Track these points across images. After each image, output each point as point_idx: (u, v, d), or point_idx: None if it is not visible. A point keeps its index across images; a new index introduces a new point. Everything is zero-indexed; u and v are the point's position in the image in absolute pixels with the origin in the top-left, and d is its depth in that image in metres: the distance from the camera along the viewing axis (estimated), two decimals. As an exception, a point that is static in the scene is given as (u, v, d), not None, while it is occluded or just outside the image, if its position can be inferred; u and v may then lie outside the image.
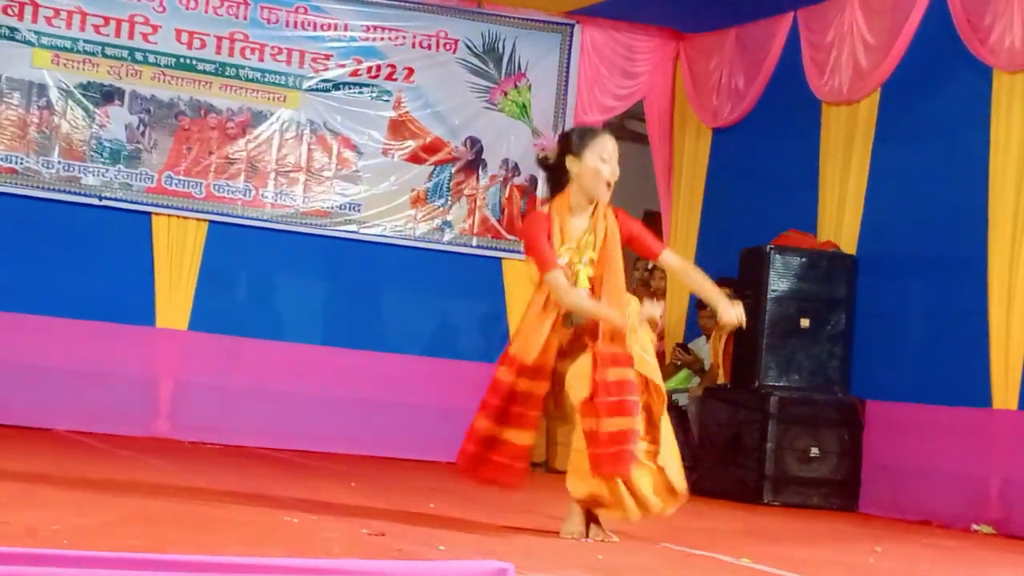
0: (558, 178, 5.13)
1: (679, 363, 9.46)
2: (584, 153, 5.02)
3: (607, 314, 4.92)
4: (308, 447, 9.42)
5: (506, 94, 10.25)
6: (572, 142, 5.09)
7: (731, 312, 5.10)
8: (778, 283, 8.37)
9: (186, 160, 9.62)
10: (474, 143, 10.20)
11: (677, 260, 5.26)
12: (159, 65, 9.57)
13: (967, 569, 5.49)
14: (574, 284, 5.00)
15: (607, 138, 5.08)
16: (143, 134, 9.56)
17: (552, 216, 5.05)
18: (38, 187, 9.33)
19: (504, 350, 5.12)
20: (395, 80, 10.04)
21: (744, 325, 5.20)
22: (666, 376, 9.67)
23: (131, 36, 9.52)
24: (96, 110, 9.46)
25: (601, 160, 5.01)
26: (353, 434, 9.65)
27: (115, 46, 9.49)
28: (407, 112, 10.06)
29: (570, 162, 5.05)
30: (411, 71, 10.07)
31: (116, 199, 9.47)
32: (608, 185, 5.04)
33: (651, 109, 10.43)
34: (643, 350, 5.02)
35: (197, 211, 9.61)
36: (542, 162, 5.27)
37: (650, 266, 10.63)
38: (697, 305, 9.58)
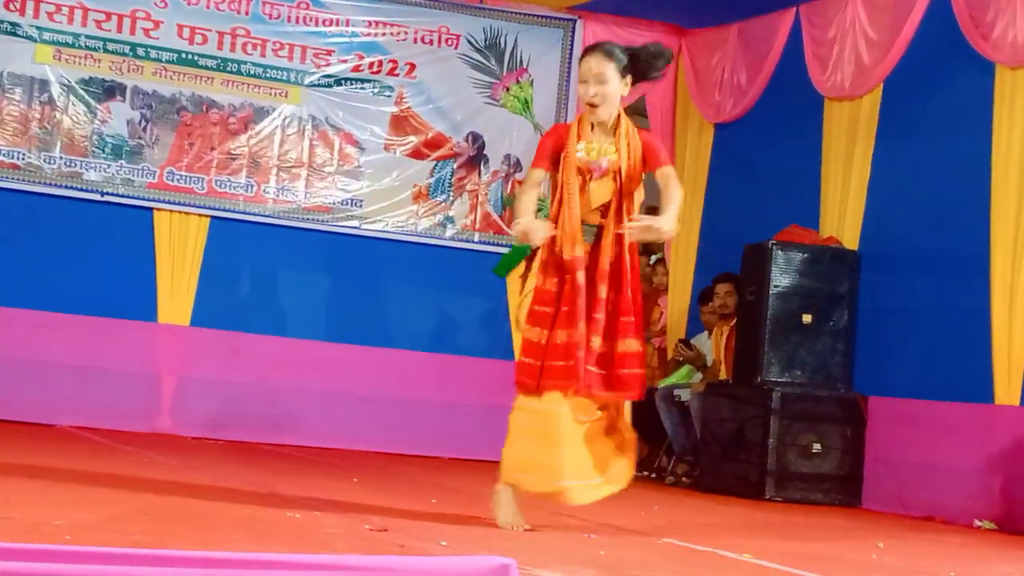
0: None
1: (681, 359, 9.46)
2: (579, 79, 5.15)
3: (523, 226, 4.98)
4: (310, 443, 9.43)
5: (508, 90, 10.25)
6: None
7: (659, 222, 4.97)
8: (780, 279, 8.36)
9: (188, 156, 9.62)
10: (476, 139, 10.19)
11: (667, 181, 5.12)
12: (161, 60, 9.57)
13: (969, 565, 5.49)
14: (586, 187, 5.04)
15: (588, 58, 5.12)
16: (145, 130, 9.56)
17: (572, 125, 5.15)
18: (40, 183, 9.33)
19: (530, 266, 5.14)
20: (397, 76, 10.04)
21: (667, 236, 5.14)
22: (668, 372, 9.72)
23: (133, 32, 9.52)
24: (98, 105, 9.47)
25: (582, 82, 5.09)
26: (355, 430, 9.65)
27: (117, 41, 9.49)
28: (409, 108, 10.06)
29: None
30: (413, 66, 10.07)
31: (118, 195, 9.47)
32: (591, 105, 5.06)
33: (653, 105, 10.42)
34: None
35: (199, 207, 9.61)
36: None
37: (651, 261, 10.64)
38: (699, 300, 9.58)
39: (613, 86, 5.07)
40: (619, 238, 5.06)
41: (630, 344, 5.04)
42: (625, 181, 5.06)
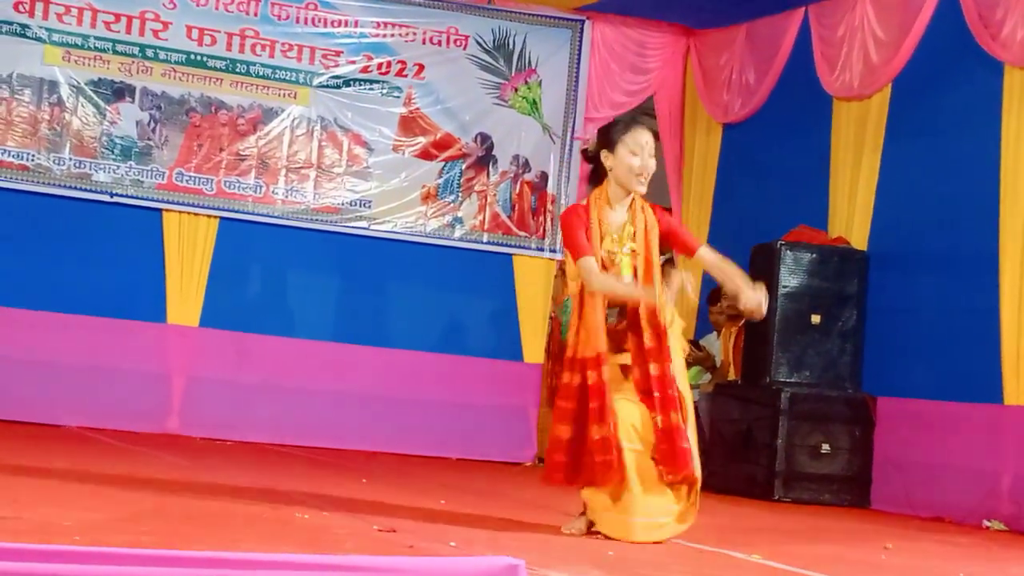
0: (598, 171, 5.19)
1: (690, 360, 9.45)
2: (617, 147, 5.08)
3: (639, 294, 5.00)
4: (319, 443, 9.43)
5: (516, 90, 10.25)
6: (607, 136, 5.15)
7: (752, 295, 5.07)
8: (789, 279, 8.36)
9: (197, 157, 9.63)
10: (484, 139, 10.19)
11: (714, 255, 5.27)
12: (170, 62, 9.58)
13: (979, 566, 5.48)
14: (617, 274, 5.05)
15: (640, 131, 5.12)
16: (154, 131, 9.57)
17: (590, 207, 5.13)
18: (49, 184, 9.34)
19: (556, 357, 5.19)
20: (405, 76, 10.04)
21: (764, 310, 5.13)
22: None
23: (142, 33, 9.53)
24: (107, 107, 9.48)
25: (632, 154, 5.05)
26: (364, 430, 9.65)
27: (126, 43, 9.50)
28: (418, 108, 10.06)
29: (604, 156, 5.12)
30: (421, 67, 10.07)
31: (127, 196, 9.47)
32: (640, 177, 5.08)
33: (661, 105, 10.41)
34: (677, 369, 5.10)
35: (208, 208, 9.62)
36: (583, 154, 5.36)
37: (661, 261, 10.61)
38: (708, 301, 9.58)
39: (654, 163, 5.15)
40: (651, 311, 5.05)
41: (675, 418, 5.04)
42: (646, 257, 5.11)
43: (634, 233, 5.11)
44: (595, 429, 4.94)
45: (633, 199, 5.14)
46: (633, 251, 5.10)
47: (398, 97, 10.02)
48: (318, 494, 5.80)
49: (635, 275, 5.08)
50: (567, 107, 10.24)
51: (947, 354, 7.91)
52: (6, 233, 9.27)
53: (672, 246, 5.33)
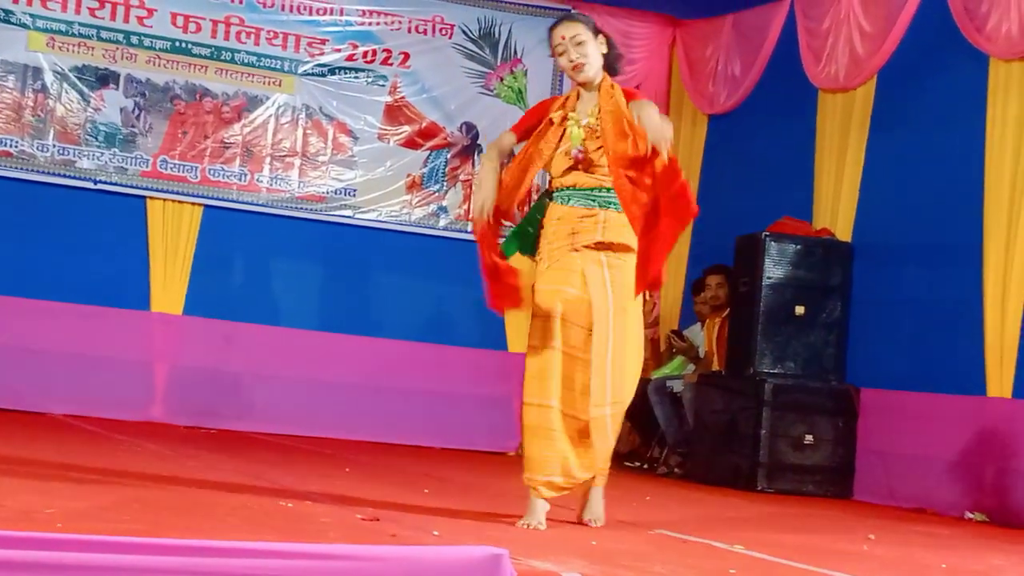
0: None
1: (674, 350, 9.46)
2: (552, 52, 5.18)
3: (474, 199, 5.16)
4: (303, 432, 9.42)
5: (502, 80, 10.24)
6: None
7: (656, 127, 4.85)
8: (773, 270, 8.37)
9: (181, 144, 9.60)
10: (470, 128, 10.19)
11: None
12: (154, 49, 9.55)
13: (960, 557, 5.50)
14: (567, 140, 5.08)
15: (555, 30, 5.13)
16: (138, 118, 9.54)
17: (556, 98, 5.23)
18: (33, 170, 9.31)
19: None
20: (391, 65, 10.03)
21: (665, 146, 4.82)
22: (661, 363, 9.72)
23: (126, 19, 9.50)
24: (91, 93, 9.44)
25: (558, 54, 5.12)
26: (348, 419, 9.64)
27: (110, 29, 9.47)
28: (403, 97, 10.05)
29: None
30: (407, 56, 10.05)
31: (111, 183, 9.45)
32: (576, 70, 5.09)
33: (647, 95, 10.39)
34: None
35: (192, 195, 9.60)
36: None
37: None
38: (692, 291, 9.59)
39: (591, 46, 5.10)
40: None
41: None
42: (605, 135, 5.03)
43: (599, 112, 5.07)
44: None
45: (601, 84, 5.13)
46: (589, 126, 5.07)
47: (383, 86, 10.01)
48: (301, 483, 5.80)
49: (585, 151, 5.05)
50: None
51: (931, 346, 7.94)
52: (-11, 220, 9.25)
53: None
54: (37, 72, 9.36)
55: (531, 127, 5.17)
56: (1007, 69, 7.54)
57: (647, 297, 8.28)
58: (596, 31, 5.16)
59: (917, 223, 8.18)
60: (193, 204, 9.59)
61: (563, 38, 5.08)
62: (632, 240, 5.01)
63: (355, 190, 9.93)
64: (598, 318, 4.94)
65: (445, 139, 10.13)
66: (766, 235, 8.42)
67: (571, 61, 5.07)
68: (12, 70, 9.32)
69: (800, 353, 8.36)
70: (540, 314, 5.01)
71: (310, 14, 9.88)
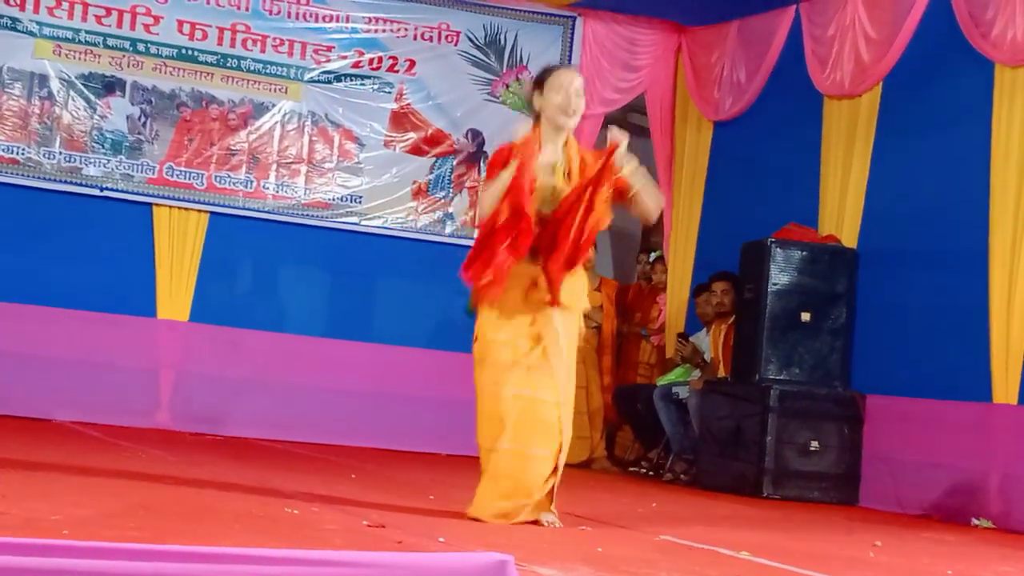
0: (535, 117, 5.38)
1: (681, 358, 9.47)
2: (545, 88, 5.28)
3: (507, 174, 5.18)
4: (308, 439, 9.42)
5: (508, 87, 10.25)
6: (538, 80, 5.38)
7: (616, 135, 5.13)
8: (779, 277, 8.37)
9: (187, 151, 9.62)
10: (475, 135, 10.19)
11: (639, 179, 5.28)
12: (160, 56, 9.57)
13: (967, 564, 5.49)
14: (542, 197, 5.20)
15: (566, 72, 5.34)
16: (144, 125, 9.56)
17: (516, 146, 5.27)
18: (39, 178, 9.33)
19: None
20: (397, 72, 10.04)
21: (618, 146, 5.11)
22: (667, 370, 9.72)
23: (133, 27, 9.52)
24: (98, 101, 9.46)
25: (556, 92, 5.23)
26: (354, 426, 9.65)
27: (117, 37, 9.49)
28: (409, 104, 10.06)
29: (535, 98, 5.34)
30: (413, 63, 10.06)
31: (117, 190, 9.47)
32: (567, 111, 5.22)
33: (652, 102, 10.41)
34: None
35: (198, 202, 9.61)
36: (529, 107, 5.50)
37: (651, 258, 10.64)
38: (695, 294, 9.60)
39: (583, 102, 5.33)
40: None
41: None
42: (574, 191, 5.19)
43: (567, 171, 5.21)
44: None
45: (567, 140, 5.27)
46: (558, 185, 5.21)
47: (389, 93, 10.02)
48: (307, 489, 5.80)
49: (561, 204, 5.17)
50: (558, 103, 10.22)
51: (936, 352, 7.93)
52: (-4, 227, 9.27)
53: (616, 194, 5.30)
54: (43, 79, 9.38)
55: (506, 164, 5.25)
56: (1012, 75, 7.53)
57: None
58: None
59: (923, 230, 8.17)
60: (199, 211, 9.61)
61: (571, 83, 5.24)
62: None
63: (361, 197, 9.93)
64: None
65: (451, 146, 10.14)
66: (772, 242, 8.42)
67: (567, 105, 5.22)
68: (19, 77, 9.34)
69: (806, 360, 8.35)
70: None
71: (316, 21, 9.89)
